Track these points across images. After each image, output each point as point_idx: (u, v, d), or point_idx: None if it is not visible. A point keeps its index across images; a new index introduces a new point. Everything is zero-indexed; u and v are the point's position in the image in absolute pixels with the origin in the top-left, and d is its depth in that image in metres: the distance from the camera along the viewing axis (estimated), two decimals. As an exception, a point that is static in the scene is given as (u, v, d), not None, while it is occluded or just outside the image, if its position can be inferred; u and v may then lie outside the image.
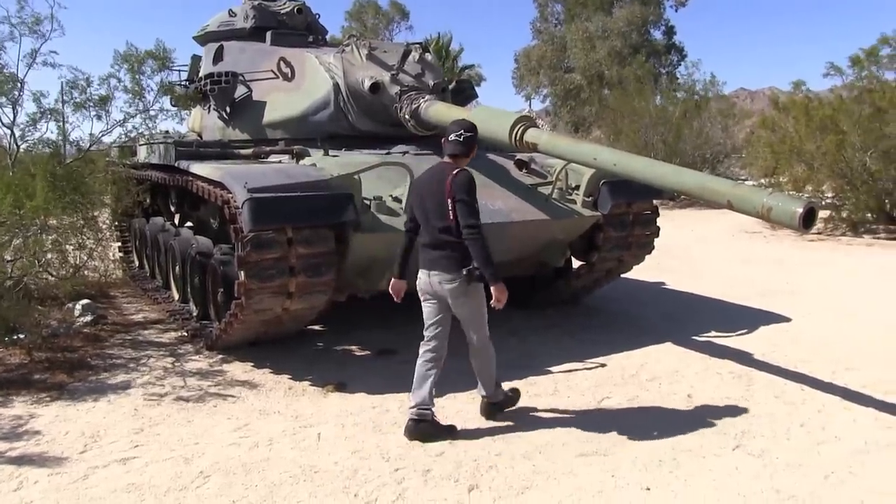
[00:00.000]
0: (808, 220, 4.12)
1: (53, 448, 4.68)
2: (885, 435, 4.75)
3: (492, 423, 5.01)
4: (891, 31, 17.22)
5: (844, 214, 15.28)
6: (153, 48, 8.23)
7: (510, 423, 5.01)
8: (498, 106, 8.01)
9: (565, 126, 38.67)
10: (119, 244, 11.27)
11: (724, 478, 4.18)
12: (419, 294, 4.90)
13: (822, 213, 15.45)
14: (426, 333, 4.90)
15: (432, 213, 4.71)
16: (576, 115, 38.68)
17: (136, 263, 10.76)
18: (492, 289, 4.63)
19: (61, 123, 7.85)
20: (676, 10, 40.17)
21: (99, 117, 8.04)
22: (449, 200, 4.58)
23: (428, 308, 4.89)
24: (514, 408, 5.24)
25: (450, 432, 4.84)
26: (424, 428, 4.78)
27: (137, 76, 8.10)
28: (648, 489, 4.08)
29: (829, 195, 15.87)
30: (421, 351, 4.90)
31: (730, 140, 25.44)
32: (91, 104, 7.90)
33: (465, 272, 4.60)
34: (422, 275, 4.82)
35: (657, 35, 39.64)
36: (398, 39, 35.42)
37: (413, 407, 4.81)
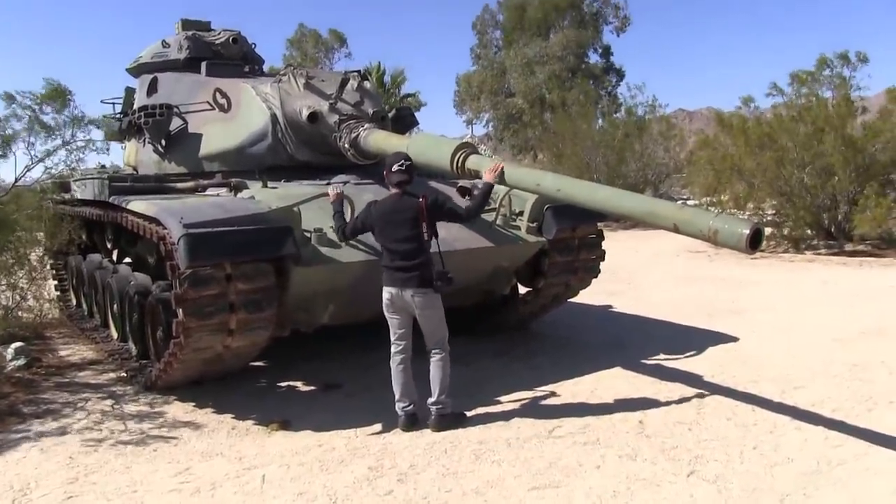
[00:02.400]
0: (754, 241, 4.11)
1: (-23, 505, 4.44)
2: (835, 454, 4.74)
3: (443, 459, 4.87)
4: (825, 47, 17.71)
5: (785, 231, 15.54)
6: (46, 89, 7.99)
7: (460, 458, 4.88)
8: (439, 132, 7.96)
9: (509, 150, 38.92)
10: (56, 282, 10.96)
11: (678, 506, 4.11)
12: (386, 311, 5.47)
13: (765, 231, 15.69)
14: (397, 342, 5.52)
15: (404, 239, 5.31)
16: (518, 139, 38.98)
17: (74, 302, 10.45)
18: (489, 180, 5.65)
19: None
20: (618, 36, 40.94)
21: (3, 156, 7.74)
22: (424, 224, 5.28)
23: (395, 321, 5.47)
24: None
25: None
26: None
27: (40, 117, 7.87)
28: (603, 521, 3.99)
29: (770, 212, 16.12)
30: (394, 357, 5.51)
31: (672, 160, 25.80)
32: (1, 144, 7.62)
33: (437, 283, 5.31)
34: (392, 292, 5.38)
35: (595, 58, 40.29)
36: (338, 67, 35.37)
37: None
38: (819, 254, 14.49)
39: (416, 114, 9.60)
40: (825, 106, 15.45)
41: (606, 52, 40.80)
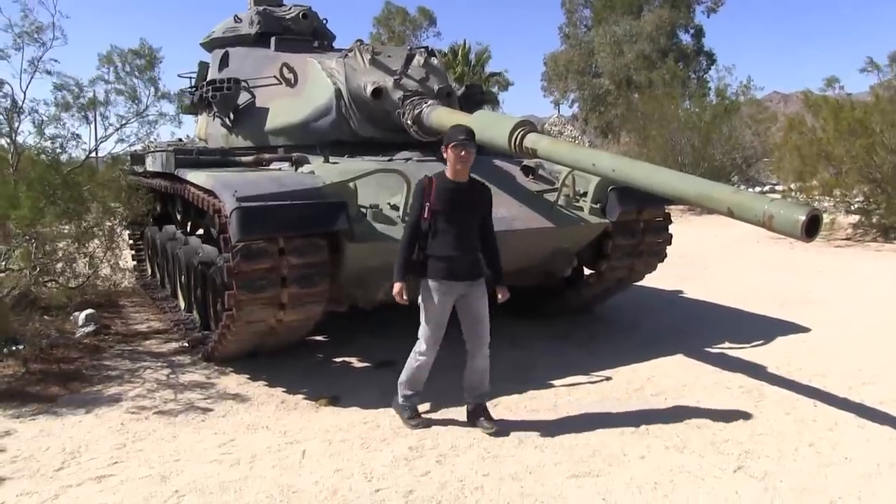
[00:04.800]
0: (811, 228, 3.90)
1: (29, 465, 4.54)
2: (898, 456, 4.48)
3: (485, 442, 4.80)
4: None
5: (874, 219, 14.87)
6: (138, 47, 8.13)
7: (503, 442, 4.80)
8: (527, 112, 7.82)
9: (593, 131, 38.37)
10: (133, 252, 11.25)
11: (720, 503, 3.95)
12: None
13: (851, 219, 15.08)
14: None
15: None
16: (604, 120, 38.36)
17: (149, 272, 10.70)
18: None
19: (60, 130, 7.76)
20: (708, 16, 39.75)
21: (86, 119, 7.93)
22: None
23: None
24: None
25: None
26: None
27: (124, 77, 8.02)
28: (640, 514, 3.86)
29: (860, 199, 15.43)
30: None
31: (761, 144, 25.02)
32: (83, 107, 7.81)
33: None
34: None
35: (686, 39, 39.23)
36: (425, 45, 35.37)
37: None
38: (910, 244, 13.83)
39: (504, 94, 9.55)
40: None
41: (699, 34, 39.67)
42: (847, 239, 14.60)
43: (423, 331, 4.99)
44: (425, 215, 4.88)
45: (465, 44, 35.19)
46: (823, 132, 15.36)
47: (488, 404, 5.19)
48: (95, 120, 8.20)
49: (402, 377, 5.16)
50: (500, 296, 5.09)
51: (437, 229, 4.88)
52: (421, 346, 5.01)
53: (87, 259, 8.31)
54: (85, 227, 7.60)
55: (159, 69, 8.34)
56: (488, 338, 5.04)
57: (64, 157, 7.80)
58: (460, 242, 4.89)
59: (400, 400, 5.21)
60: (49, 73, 7.62)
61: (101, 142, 8.29)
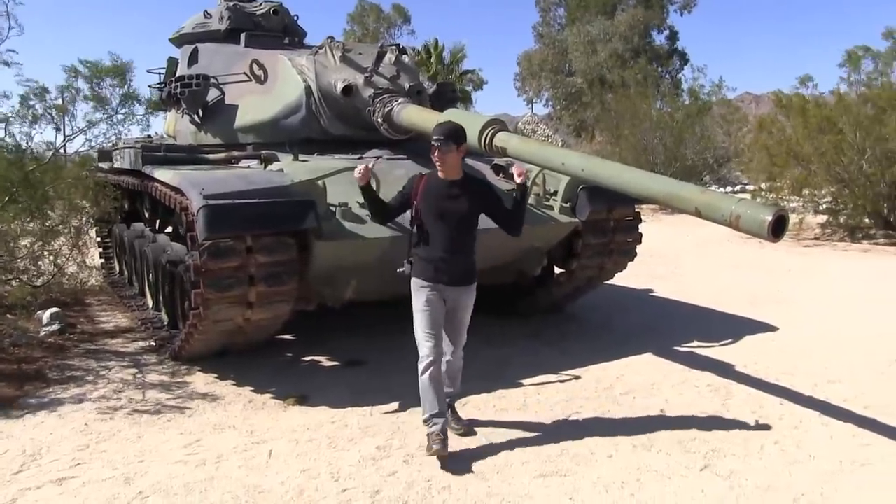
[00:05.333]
0: (777, 228, 3.90)
1: (-13, 468, 4.47)
2: (861, 453, 4.53)
3: (452, 442, 4.74)
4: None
5: (842, 219, 15.03)
6: (110, 63, 8.02)
7: (471, 441, 4.79)
8: (501, 111, 7.79)
9: (566, 129, 38.53)
10: (100, 250, 11.12)
11: (686, 502, 3.96)
12: None
13: (820, 219, 15.24)
14: None
15: None
16: (577, 119, 38.53)
17: (117, 270, 10.58)
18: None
19: (24, 127, 7.62)
20: (682, 15, 40.07)
21: (58, 128, 7.82)
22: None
23: None
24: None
25: None
26: None
27: (96, 89, 7.91)
28: (606, 513, 3.86)
29: (828, 199, 15.59)
30: None
31: (732, 144, 25.26)
32: (51, 113, 7.68)
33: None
34: None
35: (660, 39, 39.53)
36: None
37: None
38: (876, 243, 13.98)
39: (478, 92, 9.51)
40: (889, 86, 14.82)
41: (673, 35, 39.97)
42: (815, 239, 14.75)
43: (418, 334, 4.62)
44: (413, 213, 4.70)
45: (437, 42, 35.13)
46: (793, 130, 15.49)
47: (457, 403, 5.15)
48: (64, 120, 8.06)
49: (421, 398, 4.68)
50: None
51: (424, 229, 4.68)
52: (422, 349, 4.59)
53: (52, 257, 8.20)
54: (50, 225, 7.47)
55: (129, 83, 8.22)
56: (465, 339, 4.94)
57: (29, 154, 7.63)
58: (449, 244, 4.62)
59: (423, 425, 4.69)
60: (7, 64, 7.46)
61: (68, 140, 8.15)
